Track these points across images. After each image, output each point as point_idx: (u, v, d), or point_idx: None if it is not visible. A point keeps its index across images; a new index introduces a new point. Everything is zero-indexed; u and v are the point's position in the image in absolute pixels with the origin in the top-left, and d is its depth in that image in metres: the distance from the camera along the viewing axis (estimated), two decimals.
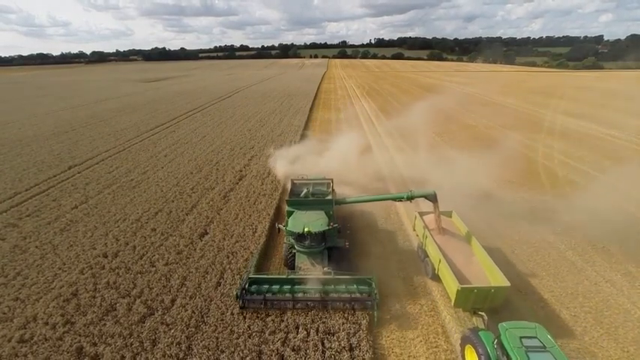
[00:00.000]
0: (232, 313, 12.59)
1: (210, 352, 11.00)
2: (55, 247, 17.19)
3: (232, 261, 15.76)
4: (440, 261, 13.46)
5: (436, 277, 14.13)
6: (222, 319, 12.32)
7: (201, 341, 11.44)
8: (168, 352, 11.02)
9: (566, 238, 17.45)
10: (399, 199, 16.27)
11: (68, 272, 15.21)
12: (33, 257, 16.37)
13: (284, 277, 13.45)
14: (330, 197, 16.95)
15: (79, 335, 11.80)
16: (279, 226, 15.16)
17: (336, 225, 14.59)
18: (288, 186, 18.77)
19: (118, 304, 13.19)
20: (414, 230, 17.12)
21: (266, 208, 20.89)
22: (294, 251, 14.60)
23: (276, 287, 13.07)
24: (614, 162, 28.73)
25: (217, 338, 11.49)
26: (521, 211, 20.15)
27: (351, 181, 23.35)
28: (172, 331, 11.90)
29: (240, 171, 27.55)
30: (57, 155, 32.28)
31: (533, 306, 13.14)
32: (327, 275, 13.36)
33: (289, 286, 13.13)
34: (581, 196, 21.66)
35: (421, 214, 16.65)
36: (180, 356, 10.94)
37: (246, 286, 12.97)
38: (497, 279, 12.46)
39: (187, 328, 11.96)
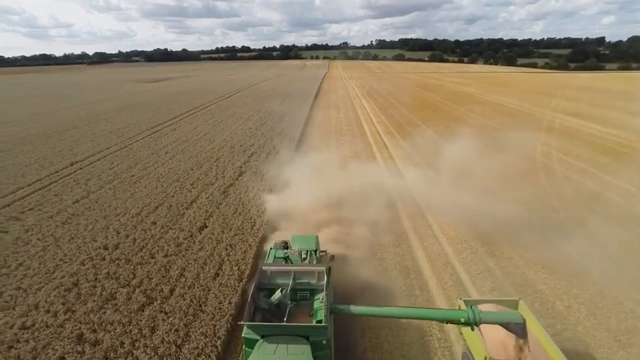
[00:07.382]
0: (230, 302, 12.80)
1: (207, 339, 11.21)
2: (57, 240, 17.43)
3: (231, 253, 15.98)
4: None
5: None
6: (219, 308, 12.52)
7: (199, 328, 11.65)
8: (166, 339, 11.24)
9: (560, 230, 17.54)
10: (452, 320, 8.76)
11: (69, 263, 15.44)
12: (35, 249, 16.60)
13: None
14: (322, 307, 8.84)
15: (80, 322, 12.02)
16: None
17: None
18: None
19: (117, 294, 13.41)
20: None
21: (265, 202, 21.10)
22: None
23: None
24: (611, 158, 28.79)
25: (215, 325, 11.70)
26: (517, 204, 20.21)
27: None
28: (171, 319, 12.10)
29: (240, 167, 27.80)
30: (59, 152, 32.61)
31: (529, 297, 13.26)
32: None
33: None
34: (577, 189, 21.76)
35: (468, 302, 9.90)
36: (179, 342, 11.16)
37: None
38: None
39: (185, 316, 12.18)
